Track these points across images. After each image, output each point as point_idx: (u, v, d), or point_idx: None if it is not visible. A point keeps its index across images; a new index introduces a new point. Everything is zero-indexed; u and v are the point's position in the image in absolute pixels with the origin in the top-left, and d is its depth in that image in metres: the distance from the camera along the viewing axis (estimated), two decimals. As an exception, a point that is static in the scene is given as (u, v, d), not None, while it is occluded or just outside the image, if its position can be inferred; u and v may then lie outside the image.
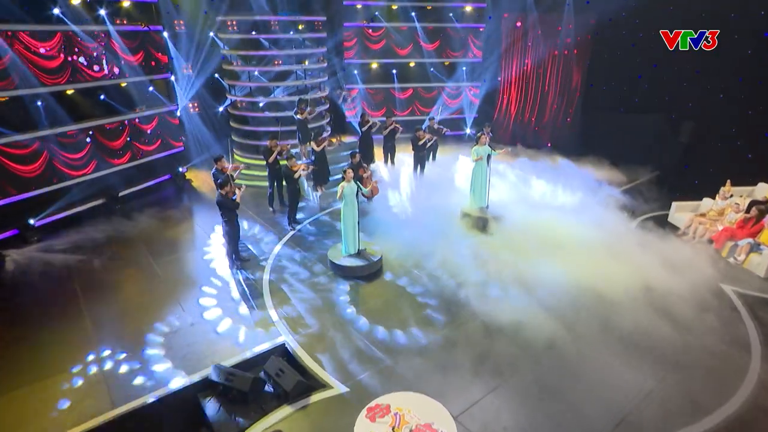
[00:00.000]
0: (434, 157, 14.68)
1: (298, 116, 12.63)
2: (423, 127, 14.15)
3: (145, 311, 7.90)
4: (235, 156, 14.87)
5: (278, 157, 11.30)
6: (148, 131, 13.00)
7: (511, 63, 17.27)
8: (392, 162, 14.28)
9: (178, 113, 15.67)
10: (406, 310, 7.84)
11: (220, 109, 15.43)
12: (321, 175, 12.31)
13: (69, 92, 11.04)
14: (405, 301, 8.11)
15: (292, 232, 10.81)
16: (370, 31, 17.13)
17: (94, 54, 11.31)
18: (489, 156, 11.08)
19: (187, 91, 15.66)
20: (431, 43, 17.68)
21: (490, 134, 13.67)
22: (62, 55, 10.64)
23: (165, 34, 14.24)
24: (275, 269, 9.20)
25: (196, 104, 16.42)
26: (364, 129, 13.31)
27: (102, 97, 11.89)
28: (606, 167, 13.81)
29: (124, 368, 6.63)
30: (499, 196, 11.78)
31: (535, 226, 10.13)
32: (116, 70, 11.99)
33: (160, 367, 6.64)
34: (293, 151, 12.93)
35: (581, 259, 8.94)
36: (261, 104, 13.45)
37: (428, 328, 7.38)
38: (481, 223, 10.66)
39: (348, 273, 8.95)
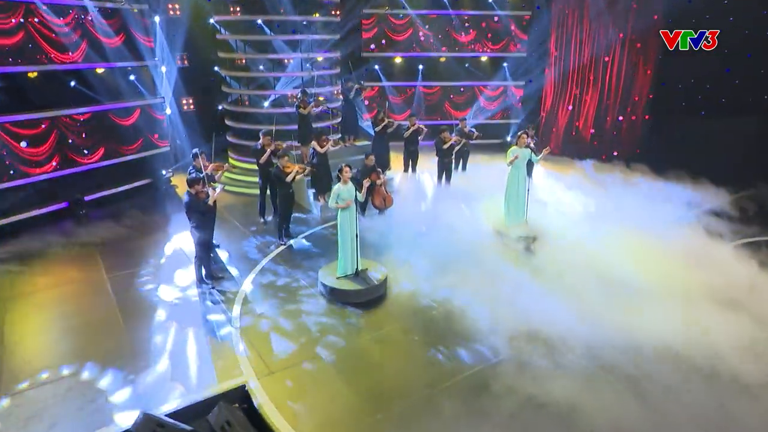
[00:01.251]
0: (464, 167, 13.66)
1: (302, 111, 11.86)
2: (454, 130, 13.13)
3: (77, 335, 7.02)
4: (231, 160, 14.27)
5: (272, 158, 10.51)
6: (127, 126, 12.49)
7: (563, 58, 16.21)
8: (413, 170, 13.27)
9: (168, 110, 15.33)
10: (413, 362, 6.54)
11: (220, 107, 14.87)
12: (323, 181, 11.42)
13: (31, 75, 10.63)
14: (413, 349, 6.85)
15: (281, 248, 9.98)
16: (394, 19, 16.47)
17: (65, 31, 10.92)
18: (530, 163, 9.97)
19: (178, 86, 15.29)
20: (466, 35, 16.87)
21: (535, 138, 12.56)
22: (21, 32, 10.26)
23: (156, 18, 14.01)
24: (253, 291, 8.32)
25: (191, 100, 16.02)
26: (378, 129, 12.38)
27: (72, 83, 11.46)
28: (686, 180, 12.34)
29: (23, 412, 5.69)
30: (546, 213, 10.61)
31: (595, 256, 8.64)
32: (93, 53, 11.60)
33: (70, 411, 5.67)
34: (295, 152, 12.14)
35: (669, 308, 7.18)
36: (269, 98, 12.67)
37: (442, 398, 5.82)
38: (520, 245, 9.43)
39: (342, 298, 7.96)
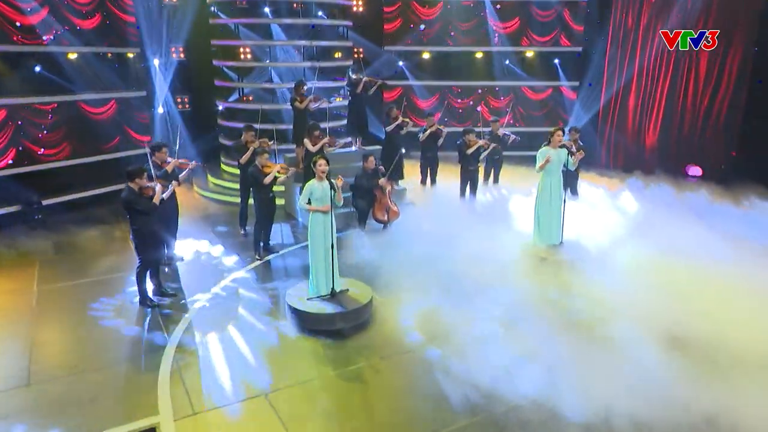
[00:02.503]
0: (496, 179, 12.76)
1: (297, 105, 11.33)
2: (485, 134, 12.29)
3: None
4: (222, 165, 13.91)
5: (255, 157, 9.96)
6: (100, 121, 12.33)
7: (627, 53, 15.21)
8: (432, 181, 12.43)
9: (161, 109, 15.27)
10: (383, 413, 5.57)
11: (221, 105, 14.61)
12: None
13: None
14: (388, 395, 5.89)
15: (256, 263, 9.38)
16: (421, 6, 15.98)
17: (29, 9, 10.90)
18: (566, 168, 9.01)
19: (171, 81, 15.23)
20: (506, 27, 16.23)
21: (580, 143, 11.55)
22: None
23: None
24: (203, 314, 7.64)
25: (186, 99, 15.91)
26: (389, 129, 11.66)
27: (37, 68, 11.41)
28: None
29: None
30: (593, 236, 9.52)
31: (657, 300, 7.22)
32: (64, 36, 11.58)
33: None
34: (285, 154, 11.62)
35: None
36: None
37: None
38: (552, 271, 8.35)
39: (311, 324, 7.14)
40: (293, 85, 11.51)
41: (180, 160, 9.08)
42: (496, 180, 12.80)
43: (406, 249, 9.25)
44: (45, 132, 11.57)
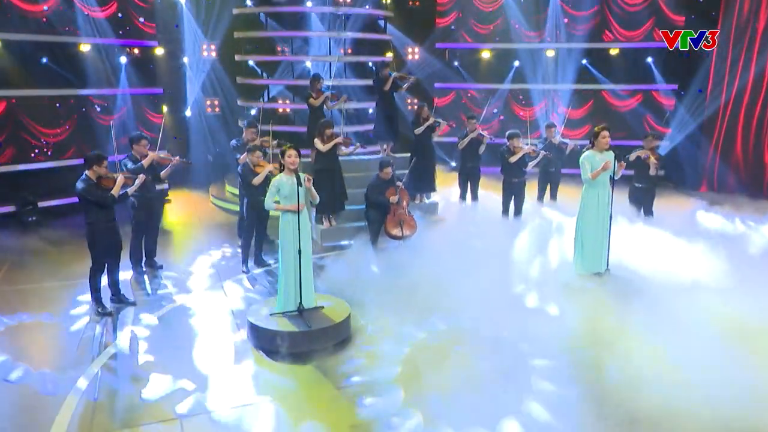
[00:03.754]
0: (553, 195, 12.10)
1: (312, 102, 11.37)
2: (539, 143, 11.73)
3: None
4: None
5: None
6: (111, 122, 12.92)
7: (743, 52, 14.21)
8: (473, 196, 11.98)
9: (188, 112, 15.94)
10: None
11: (255, 108, 14.97)
12: (328, 195, 10.58)
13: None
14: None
15: (241, 276, 9.38)
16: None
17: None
18: (611, 179, 8.36)
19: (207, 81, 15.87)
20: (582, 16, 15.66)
21: (660, 155, 10.73)
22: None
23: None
24: (152, 327, 7.63)
25: (216, 102, 16.47)
26: (419, 131, 11.37)
27: (44, 60, 12.20)
28: None
29: None
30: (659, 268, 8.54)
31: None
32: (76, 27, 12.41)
33: None
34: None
35: None
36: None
37: None
38: (587, 311, 7.54)
39: (266, 343, 6.91)
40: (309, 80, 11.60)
41: (161, 155, 9.27)
42: (553, 197, 12.11)
43: (411, 270, 8.82)
44: (48, 129, 12.27)
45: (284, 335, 6.82)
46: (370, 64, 14.78)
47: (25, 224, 11.67)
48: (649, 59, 15.66)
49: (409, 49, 16.81)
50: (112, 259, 7.92)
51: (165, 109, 15.03)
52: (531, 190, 11.90)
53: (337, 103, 11.72)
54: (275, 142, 10.78)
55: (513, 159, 10.84)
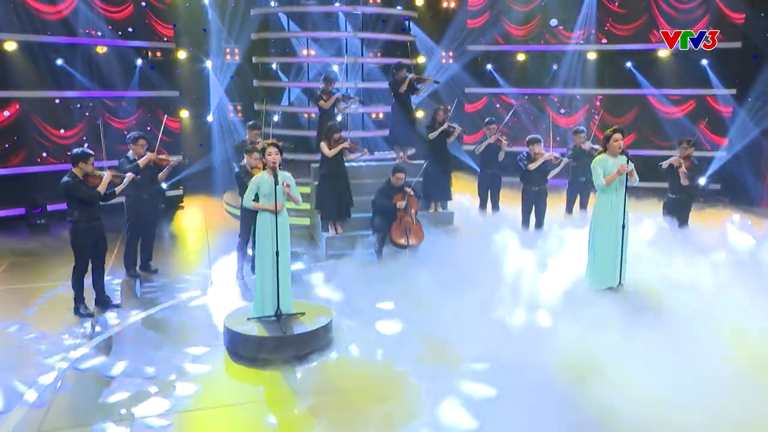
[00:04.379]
0: (583, 204, 12.00)
1: (321, 104, 11.64)
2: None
3: None
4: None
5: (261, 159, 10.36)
6: (125, 128, 13.51)
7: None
8: (494, 205, 11.99)
9: (210, 117, 16.54)
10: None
11: (277, 114, 15.39)
12: (336, 202, 10.81)
13: (8, 46, 12.30)
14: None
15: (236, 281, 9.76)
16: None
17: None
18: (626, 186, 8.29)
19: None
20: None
21: (695, 161, 10.49)
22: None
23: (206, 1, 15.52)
24: (125, 331, 7.93)
25: (239, 107, 17.01)
26: (434, 136, 11.45)
27: (59, 61, 12.93)
28: None
29: None
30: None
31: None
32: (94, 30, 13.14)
33: None
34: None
35: None
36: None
37: None
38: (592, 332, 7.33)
39: (236, 347, 7.14)
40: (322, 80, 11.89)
41: (159, 156, 9.66)
42: (583, 207, 11.92)
43: (407, 282, 8.93)
44: (61, 131, 12.94)
45: (254, 340, 7.01)
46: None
47: (33, 227, 12.30)
48: (705, 61, 15.31)
49: (443, 53, 17.05)
50: (95, 259, 8.26)
51: (184, 113, 15.68)
52: (560, 200, 11.87)
53: (347, 106, 11.93)
54: (281, 144, 11.10)
55: (533, 166, 10.77)
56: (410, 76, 11.88)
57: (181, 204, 14.48)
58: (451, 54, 17.05)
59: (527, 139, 11.17)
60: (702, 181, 15.14)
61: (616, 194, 8.37)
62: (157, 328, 7.99)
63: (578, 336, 7.11)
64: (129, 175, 8.54)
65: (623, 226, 8.31)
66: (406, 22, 14.82)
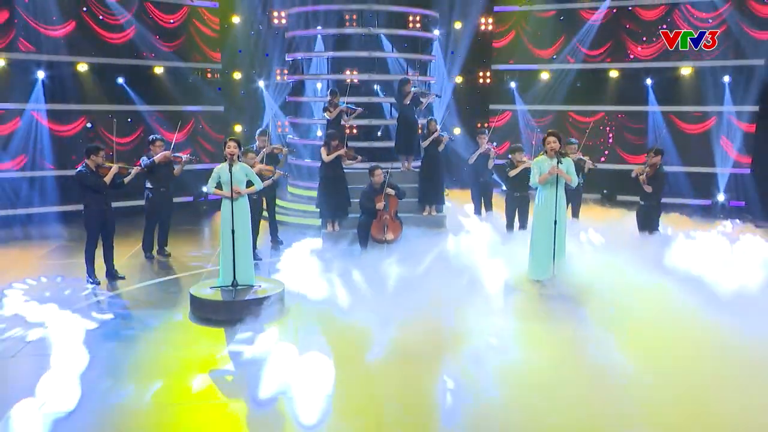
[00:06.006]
0: (575, 213, 12.35)
1: (327, 115, 12.75)
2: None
3: None
4: (289, 188, 15.77)
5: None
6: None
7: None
8: (487, 208, 12.67)
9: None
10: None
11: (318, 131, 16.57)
12: (334, 202, 11.84)
13: (80, 67, 14.32)
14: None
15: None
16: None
17: (120, 23, 14.52)
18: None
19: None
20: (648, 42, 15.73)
21: (663, 169, 10.83)
22: (72, 22, 14.07)
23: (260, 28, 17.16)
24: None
25: (287, 123, 18.44)
26: (426, 144, 12.33)
27: (120, 80, 14.89)
28: None
29: None
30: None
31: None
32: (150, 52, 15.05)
33: None
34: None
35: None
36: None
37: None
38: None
39: (197, 311, 8.32)
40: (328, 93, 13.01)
41: (173, 154, 11.12)
42: (574, 215, 12.30)
43: (374, 271, 9.57)
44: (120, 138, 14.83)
45: (206, 303, 8.19)
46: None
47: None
48: (726, 78, 15.27)
49: (480, 73, 17.85)
50: (104, 239, 9.65)
51: (238, 128, 17.27)
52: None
53: (350, 117, 12.97)
54: (286, 148, 12.40)
55: (513, 173, 11.34)
56: (414, 89, 12.81)
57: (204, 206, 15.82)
58: (486, 75, 17.76)
59: (510, 147, 11.82)
60: (721, 197, 15.10)
61: (551, 193, 8.96)
62: (149, 295, 9.33)
63: (483, 319, 7.74)
64: (136, 168, 10.00)
65: (555, 222, 8.90)
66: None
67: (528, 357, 6.67)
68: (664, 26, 15.56)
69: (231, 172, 8.32)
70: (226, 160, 8.46)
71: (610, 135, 16.19)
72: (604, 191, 15.89)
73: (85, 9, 14.36)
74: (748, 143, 15.13)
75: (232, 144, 8.45)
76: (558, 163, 8.83)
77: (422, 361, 6.65)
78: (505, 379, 6.09)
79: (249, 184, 8.76)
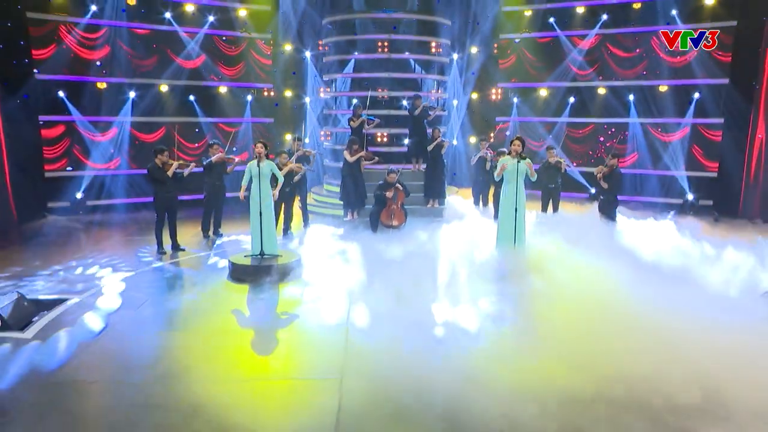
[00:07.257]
0: (555, 207, 13.80)
1: (351, 124, 14.66)
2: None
3: None
4: (326, 186, 17.69)
5: (304, 165, 13.60)
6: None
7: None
8: (484, 203, 14.42)
9: (307, 140, 20.13)
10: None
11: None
12: (354, 196, 13.71)
13: (162, 87, 16.78)
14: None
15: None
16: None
17: (191, 53, 16.94)
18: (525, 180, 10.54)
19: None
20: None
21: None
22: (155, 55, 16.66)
23: (307, 54, 19.21)
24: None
25: (329, 133, 20.40)
26: (431, 148, 14.09)
27: (191, 98, 17.23)
28: None
29: None
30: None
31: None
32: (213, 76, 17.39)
33: None
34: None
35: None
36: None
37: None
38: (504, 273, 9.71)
39: (235, 274, 10.37)
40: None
41: (226, 156, 13.23)
42: (555, 209, 13.67)
43: (373, 248, 11.43)
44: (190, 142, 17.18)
45: (239, 267, 10.25)
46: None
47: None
48: (696, 94, 16.29)
49: (493, 90, 19.37)
50: (169, 221, 11.97)
51: (288, 137, 19.33)
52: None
53: (370, 126, 14.83)
54: (314, 152, 14.36)
55: (498, 174, 12.89)
56: (425, 104, 14.59)
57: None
58: (497, 92, 19.30)
59: (496, 151, 13.37)
60: (690, 197, 16.15)
61: (513, 186, 10.52)
62: (201, 263, 11.53)
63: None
64: (192, 165, 12.25)
65: (516, 210, 10.45)
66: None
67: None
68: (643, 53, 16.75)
69: (259, 167, 10.23)
70: (256, 159, 10.37)
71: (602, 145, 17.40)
72: (592, 192, 17.03)
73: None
74: (715, 150, 16.22)
75: (259, 145, 10.45)
76: (518, 162, 10.30)
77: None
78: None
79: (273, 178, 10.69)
